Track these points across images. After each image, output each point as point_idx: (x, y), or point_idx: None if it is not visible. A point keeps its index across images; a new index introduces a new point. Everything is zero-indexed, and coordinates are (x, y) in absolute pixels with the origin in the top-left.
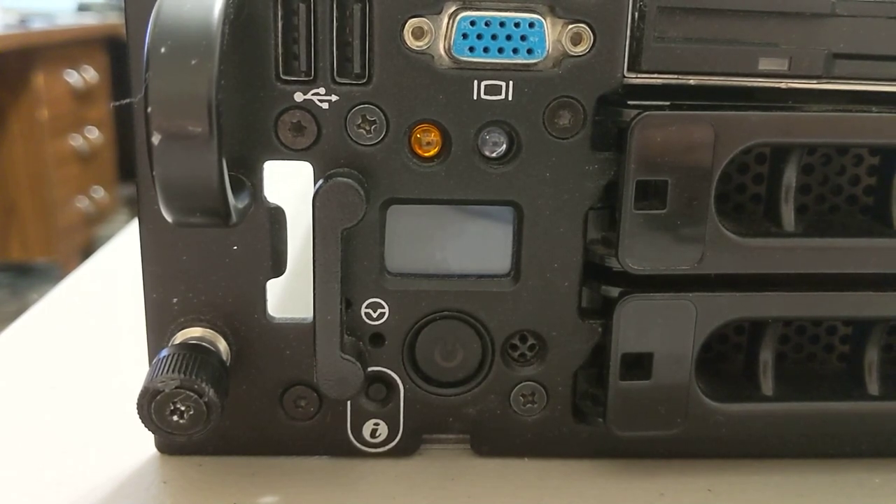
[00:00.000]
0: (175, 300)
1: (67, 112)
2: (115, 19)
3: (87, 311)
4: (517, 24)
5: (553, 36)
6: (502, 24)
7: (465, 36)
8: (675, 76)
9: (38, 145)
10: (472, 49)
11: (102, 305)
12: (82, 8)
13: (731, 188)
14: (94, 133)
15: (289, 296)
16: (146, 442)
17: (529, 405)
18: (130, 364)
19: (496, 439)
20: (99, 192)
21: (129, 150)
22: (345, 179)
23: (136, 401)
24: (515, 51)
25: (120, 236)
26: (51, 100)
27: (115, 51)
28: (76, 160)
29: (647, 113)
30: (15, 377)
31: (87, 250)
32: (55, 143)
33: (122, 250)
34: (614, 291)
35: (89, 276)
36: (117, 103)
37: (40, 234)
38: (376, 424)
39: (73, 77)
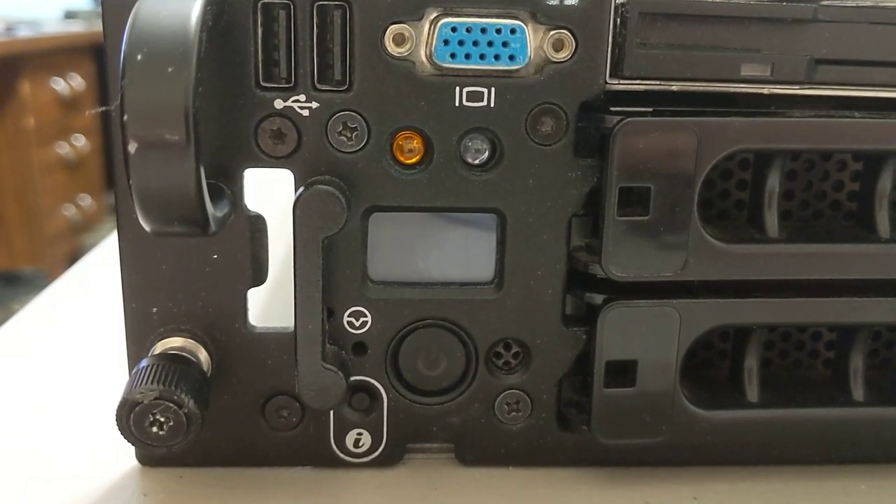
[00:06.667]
0: (155, 310)
1: (54, 120)
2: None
3: (69, 320)
4: (498, 31)
5: (535, 42)
6: (483, 31)
7: (446, 42)
8: (658, 82)
9: (24, 153)
10: (453, 55)
11: (85, 314)
12: (69, 16)
13: (715, 194)
14: (80, 141)
15: (270, 305)
16: (127, 453)
17: (514, 413)
18: (112, 374)
19: (481, 448)
20: (86, 200)
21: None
22: (326, 187)
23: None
24: (497, 57)
25: (104, 244)
26: (37, 108)
27: (101, 58)
28: (63, 168)
29: (629, 119)
30: None
31: (73, 258)
32: (41, 151)
33: (107, 258)
34: (598, 299)
35: (72, 284)
36: (94, 111)
37: (26, 243)
38: (359, 434)
39: (59, 85)
